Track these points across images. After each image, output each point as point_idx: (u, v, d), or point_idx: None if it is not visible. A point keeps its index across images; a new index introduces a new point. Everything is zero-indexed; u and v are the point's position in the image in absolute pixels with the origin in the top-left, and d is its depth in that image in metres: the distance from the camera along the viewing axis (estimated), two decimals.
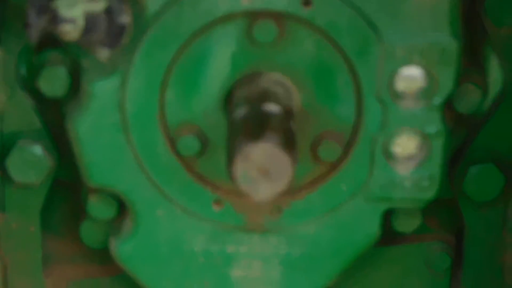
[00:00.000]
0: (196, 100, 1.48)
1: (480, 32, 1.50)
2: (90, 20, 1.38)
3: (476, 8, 1.45)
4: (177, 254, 1.61)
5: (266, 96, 1.42)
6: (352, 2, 1.41)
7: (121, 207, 1.58)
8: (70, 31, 1.37)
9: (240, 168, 1.26)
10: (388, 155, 1.48)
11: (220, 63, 1.46)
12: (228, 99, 1.45)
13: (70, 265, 1.76)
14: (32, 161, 1.60)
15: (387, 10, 1.42)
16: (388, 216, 1.57)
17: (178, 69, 1.47)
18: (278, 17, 1.40)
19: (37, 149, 1.60)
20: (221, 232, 1.57)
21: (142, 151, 1.52)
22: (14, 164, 1.58)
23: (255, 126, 1.33)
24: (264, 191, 1.27)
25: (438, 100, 1.42)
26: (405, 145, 1.48)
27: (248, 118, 1.37)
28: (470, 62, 1.52)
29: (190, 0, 1.42)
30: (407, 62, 1.42)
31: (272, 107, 1.39)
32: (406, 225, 1.60)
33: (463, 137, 1.59)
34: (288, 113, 1.40)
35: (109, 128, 1.50)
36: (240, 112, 1.39)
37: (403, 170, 1.48)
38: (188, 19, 1.42)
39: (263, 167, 1.25)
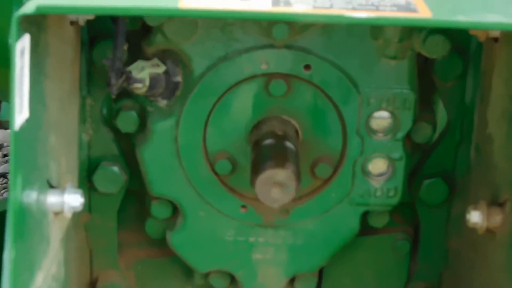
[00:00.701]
0: (228, 135, 1.61)
1: (430, 85, 1.65)
2: (154, 80, 1.50)
3: (427, 68, 1.61)
4: (214, 243, 1.71)
5: (288, 135, 1.59)
6: (339, 66, 1.54)
7: (175, 209, 1.71)
8: (139, 88, 1.49)
9: (263, 183, 1.42)
10: (365, 173, 1.62)
11: (245, 109, 1.60)
12: (251, 134, 1.59)
13: (137, 249, 1.87)
14: (111, 177, 1.74)
15: (363, 71, 1.56)
16: (365, 215, 1.70)
17: (216, 113, 1.59)
18: (287, 77, 1.54)
19: (115, 168, 1.75)
20: (245, 227, 1.68)
21: (190, 171, 1.64)
22: (98, 179, 1.72)
23: (280, 157, 1.49)
24: (276, 200, 1.43)
25: (400, 134, 1.58)
26: (377, 166, 1.63)
27: (274, 150, 1.53)
28: (423, 106, 1.64)
29: (224, 65, 1.55)
30: (378, 108, 1.56)
31: (289, 145, 1.54)
32: (378, 222, 1.72)
33: (419, 159, 1.73)
34: (297, 150, 1.55)
35: (166, 154, 1.63)
36: (266, 144, 1.55)
37: (376, 184, 1.62)
38: (223, 79, 1.55)
39: (279, 185, 1.40)
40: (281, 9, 1.19)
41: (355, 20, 1.24)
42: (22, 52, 1.17)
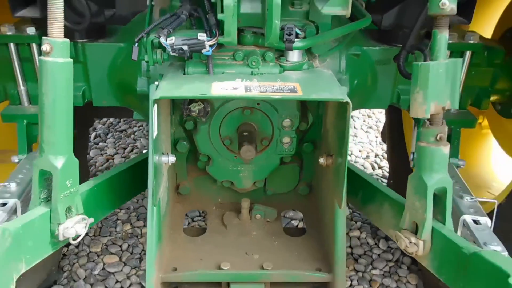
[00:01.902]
0: (228, 130, 1.69)
1: (306, 108, 1.70)
2: (199, 110, 1.60)
3: (305, 103, 1.66)
4: (224, 169, 1.78)
5: (252, 131, 1.66)
6: (270, 103, 1.62)
7: (209, 158, 1.77)
8: (194, 113, 1.54)
9: (243, 150, 1.58)
10: (282, 143, 1.71)
11: (235, 121, 1.67)
12: (237, 130, 1.68)
13: (194, 173, 1.90)
14: (183, 146, 1.78)
15: (280, 105, 1.63)
16: (282, 158, 1.78)
17: (224, 122, 1.67)
18: (251, 108, 1.64)
19: (184, 143, 1.78)
20: (237, 164, 1.77)
21: (214, 144, 1.71)
22: (178, 147, 1.76)
23: (250, 140, 1.60)
24: (248, 156, 1.59)
25: (294, 127, 1.68)
26: (286, 140, 1.72)
27: (248, 137, 1.62)
28: (303, 115, 1.71)
29: (227, 104, 1.61)
30: (285, 118, 1.67)
31: (253, 135, 1.63)
32: (287, 160, 1.83)
33: (302, 135, 1.79)
34: (255, 137, 1.64)
35: (205, 138, 1.70)
36: (244, 135, 1.63)
37: (286, 146, 1.73)
38: (226, 109, 1.64)
39: (249, 151, 1.57)
40: (248, 93, 1.33)
41: (275, 98, 1.40)
42: (153, 111, 1.32)
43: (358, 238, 2.65)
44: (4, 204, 1.41)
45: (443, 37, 1.22)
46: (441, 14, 1.20)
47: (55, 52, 1.21)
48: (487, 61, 1.86)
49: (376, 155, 3.56)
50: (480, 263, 1.15)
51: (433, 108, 1.25)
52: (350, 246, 2.60)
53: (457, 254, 1.24)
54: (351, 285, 2.36)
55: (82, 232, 1.35)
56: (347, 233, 2.69)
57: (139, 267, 2.43)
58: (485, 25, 2.21)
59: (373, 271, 2.43)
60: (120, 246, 2.57)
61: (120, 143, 3.67)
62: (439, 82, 1.23)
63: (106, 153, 3.51)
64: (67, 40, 1.24)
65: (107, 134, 3.76)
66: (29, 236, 1.24)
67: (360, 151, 3.62)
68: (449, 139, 1.94)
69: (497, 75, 1.90)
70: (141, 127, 3.85)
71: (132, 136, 3.77)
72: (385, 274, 2.43)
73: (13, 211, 1.42)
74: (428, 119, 1.29)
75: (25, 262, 1.23)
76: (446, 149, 1.29)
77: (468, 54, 1.82)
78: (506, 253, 1.29)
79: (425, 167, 1.30)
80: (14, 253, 1.19)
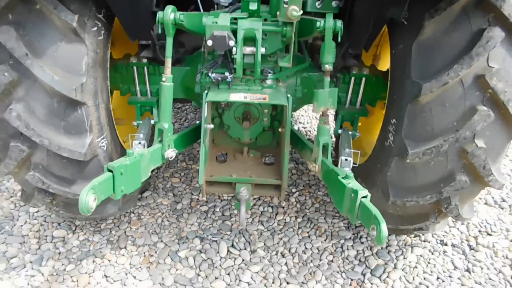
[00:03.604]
0: (238, 113, 2.16)
1: (275, 105, 2.21)
2: (225, 104, 2.29)
3: None
4: (236, 132, 2.27)
5: (249, 114, 2.11)
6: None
7: (229, 126, 2.25)
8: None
9: (245, 123, 2.12)
10: (263, 120, 2.15)
11: (241, 109, 2.17)
12: (242, 113, 2.19)
13: (222, 133, 2.33)
14: (217, 119, 2.21)
15: (262, 104, 2.02)
16: (263, 127, 2.22)
17: (236, 109, 2.17)
18: (248, 104, 2.14)
19: (217, 118, 2.21)
20: (242, 129, 2.21)
21: (231, 119, 2.17)
22: (215, 120, 2.18)
23: (248, 119, 2.09)
24: (247, 126, 2.11)
25: (269, 113, 2.16)
26: (265, 119, 2.19)
27: (247, 117, 2.10)
28: (273, 108, 2.15)
29: (237, 102, 2.09)
30: (264, 109, 2.16)
31: (250, 116, 2.08)
32: (266, 128, 2.23)
33: (273, 117, 2.20)
34: (251, 118, 2.10)
35: (227, 117, 2.19)
36: (246, 116, 2.12)
37: (265, 122, 2.19)
38: (237, 104, 2.15)
39: (247, 124, 2.11)
40: (246, 99, 1.91)
41: (257, 102, 2.06)
42: (206, 106, 2.03)
43: (314, 175, 3.36)
44: (140, 142, 2.26)
45: (327, 80, 2.03)
46: (325, 71, 2.00)
47: (167, 81, 1.96)
48: (375, 82, 2.50)
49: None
50: (335, 173, 1.85)
51: (322, 109, 2.01)
52: (308, 180, 3.32)
53: (329, 171, 1.94)
54: (305, 199, 3.15)
55: (174, 155, 2.12)
56: (308, 172, 3.40)
57: (190, 184, 3.21)
58: (387, 60, 2.85)
59: (319, 193, 3.21)
60: (180, 174, 3.33)
61: (177, 115, 4.18)
62: (324, 98, 1.97)
63: None
64: (171, 75, 1.96)
65: None
66: (154, 155, 2.02)
67: None
68: (353, 122, 2.60)
69: (380, 89, 2.52)
70: (190, 106, 4.35)
71: (185, 111, 4.31)
72: (325, 194, 3.21)
73: (143, 145, 2.24)
74: (321, 113, 1.99)
75: (153, 165, 2.05)
76: (328, 127, 1.98)
77: (364, 78, 2.49)
78: (350, 172, 1.82)
79: (319, 134, 1.99)
80: (149, 161, 1.97)
